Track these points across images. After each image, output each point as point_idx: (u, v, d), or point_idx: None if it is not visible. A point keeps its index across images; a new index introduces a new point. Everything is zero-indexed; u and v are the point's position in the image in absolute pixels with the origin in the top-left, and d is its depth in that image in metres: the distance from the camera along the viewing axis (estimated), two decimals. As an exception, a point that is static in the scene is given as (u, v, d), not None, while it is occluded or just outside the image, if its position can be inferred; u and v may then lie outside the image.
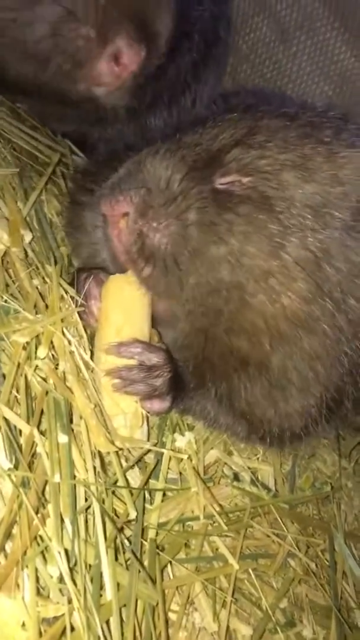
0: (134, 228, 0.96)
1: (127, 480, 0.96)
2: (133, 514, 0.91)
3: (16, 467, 0.81)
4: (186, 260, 0.96)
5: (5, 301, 0.99)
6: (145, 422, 1.02)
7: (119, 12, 1.04)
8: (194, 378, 1.10)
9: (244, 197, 0.95)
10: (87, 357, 1.00)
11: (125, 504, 0.93)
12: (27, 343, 0.94)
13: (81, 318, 1.05)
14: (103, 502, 0.88)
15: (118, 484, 0.93)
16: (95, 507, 0.85)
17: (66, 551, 0.80)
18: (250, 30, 2.04)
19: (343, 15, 2.07)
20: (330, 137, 1.00)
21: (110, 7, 1.04)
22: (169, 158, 0.98)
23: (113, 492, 0.92)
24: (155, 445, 1.03)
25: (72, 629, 0.76)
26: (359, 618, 1.20)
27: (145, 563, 0.91)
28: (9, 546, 0.78)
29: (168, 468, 1.07)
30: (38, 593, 0.77)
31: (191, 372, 1.09)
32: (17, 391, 0.91)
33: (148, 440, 1.03)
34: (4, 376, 0.91)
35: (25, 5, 1.04)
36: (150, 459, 1.06)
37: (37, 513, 0.80)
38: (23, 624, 0.75)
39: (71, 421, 0.93)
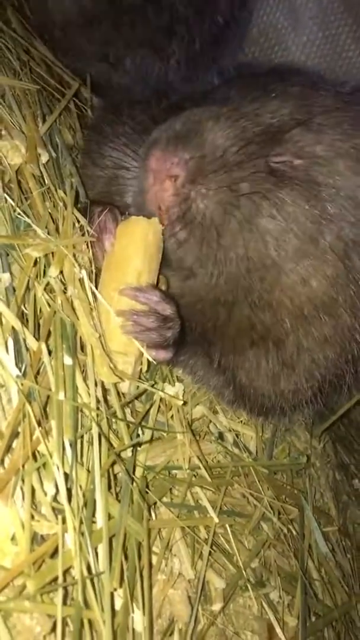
0: (182, 192, 0.93)
1: (124, 414, 0.93)
2: (129, 442, 0.88)
3: (24, 376, 0.77)
4: (229, 232, 0.93)
5: (18, 215, 0.94)
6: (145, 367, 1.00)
7: None
8: (197, 340, 1.08)
9: (295, 178, 0.94)
10: (94, 288, 0.97)
11: (120, 439, 0.90)
12: (39, 259, 0.90)
13: (91, 250, 1.01)
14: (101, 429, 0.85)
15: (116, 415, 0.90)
16: (95, 431, 0.82)
17: (64, 473, 0.76)
18: (264, 13, 2.03)
19: (357, 13, 2.08)
20: None
21: None
22: (230, 127, 0.95)
23: (109, 426, 0.89)
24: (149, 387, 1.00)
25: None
26: (320, 590, 1.20)
27: (134, 499, 0.88)
28: (8, 458, 0.74)
29: (157, 414, 1.04)
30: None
31: (197, 335, 1.07)
32: (25, 306, 0.87)
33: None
34: (14, 289, 0.86)
35: None
36: (140, 407, 1.03)
37: (39, 427, 0.76)
38: (13, 538, 0.71)
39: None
